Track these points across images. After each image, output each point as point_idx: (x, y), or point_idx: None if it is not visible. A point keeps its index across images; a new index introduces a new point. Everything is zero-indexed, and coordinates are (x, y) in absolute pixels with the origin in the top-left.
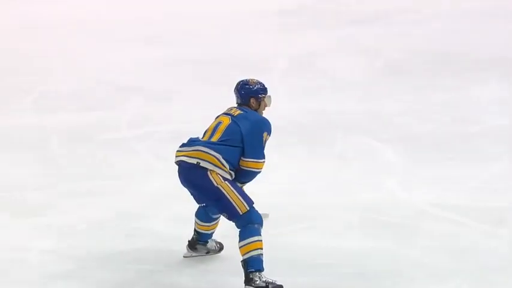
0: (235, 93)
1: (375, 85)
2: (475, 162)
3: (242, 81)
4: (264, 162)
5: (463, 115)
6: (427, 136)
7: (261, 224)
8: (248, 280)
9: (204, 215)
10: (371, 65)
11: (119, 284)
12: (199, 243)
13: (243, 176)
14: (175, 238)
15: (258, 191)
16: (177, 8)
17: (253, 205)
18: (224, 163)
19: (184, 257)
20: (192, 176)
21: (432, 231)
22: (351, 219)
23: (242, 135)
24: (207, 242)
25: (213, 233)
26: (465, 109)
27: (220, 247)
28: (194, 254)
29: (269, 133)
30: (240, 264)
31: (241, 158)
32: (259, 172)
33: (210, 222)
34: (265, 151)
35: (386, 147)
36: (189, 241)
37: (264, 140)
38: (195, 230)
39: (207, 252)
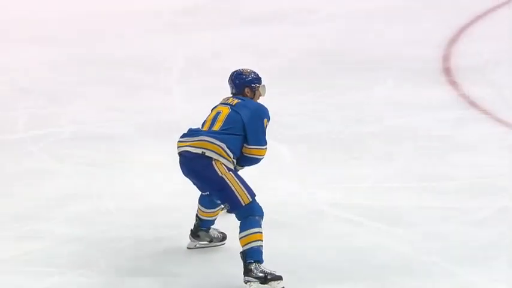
0: (230, 83)
1: (271, 85)
2: (371, 161)
3: (236, 71)
4: (266, 148)
5: (360, 115)
6: (324, 136)
7: (262, 217)
8: (247, 271)
9: (209, 202)
10: (268, 65)
11: None
12: (202, 229)
13: (245, 161)
14: (77, 238)
15: (158, 191)
16: (72, 7)
17: (255, 197)
18: (228, 152)
19: (188, 248)
20: (196, 166)
21: (330, 231)
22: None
23: (244, 123)
24: (209, 229)
25: (215, 219)
26: (361, 109)
27: (223, 236)
28: (198, 245)
29: (268, 119)
30: (240, 255)
31: (245, 145)
32: (262, 158)
33: (214, 208)
34: (165, 151)
35: (283, 147)
36: (191, 230)
37: (264, 126)
38: (197, 216)
39: (210, 241)
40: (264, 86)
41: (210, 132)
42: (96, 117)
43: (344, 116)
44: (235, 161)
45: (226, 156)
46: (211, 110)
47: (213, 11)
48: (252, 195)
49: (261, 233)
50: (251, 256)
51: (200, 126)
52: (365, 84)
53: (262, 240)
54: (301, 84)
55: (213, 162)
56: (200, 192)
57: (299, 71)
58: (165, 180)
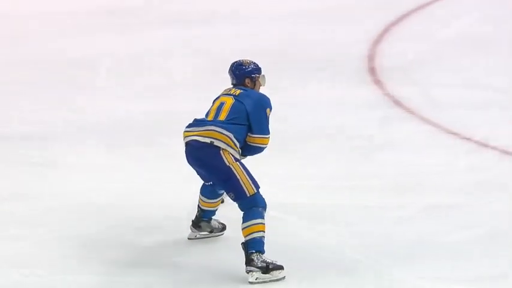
0: (230, 74)
1: (207, 85)
2: (299, 161)
3: (236, 62)
4: (269, 137)
5: (288, 114)
6: None
7: (265, 208)
8: (249, 261)
9: (210, 192)
10: (203, 65)
11: None
12: (204, 220)
13: (248, 150)
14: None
15: (94, 190)
16: (5, 8)
17: (259, 189)
18: (235, 142)
19: (188, 238)
20: (203, 155)
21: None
22: (179, 217)
23: (247, 113)
24: (211, 219)
25: (216, 210)
26: (290, 109)
27: (223, 227)
28: (198, 235)
29: (271, 109)
30: (241, 246)
31: (249, 134)
32: (266, 147)
33: (215, 198)
34: (100, 151)
35: None
36: (192, 221)
37: (267, 115)
38: (198, 207)
39: (211, 231)
40: (263, 76)
41: (217, 122)
42: (30, 117)
43: (274, 115)
44: (240, 150)
45: (234, 146)
46: (214, 101)
47: (147, 12)
48: (257, 186)
49: (264, 224)
50: (253, 246)
51: (204, 117)
52: (294, 84)
53: (264, 231)
54: None
55: (221, 151)
56: (202, 183)
57: None
58: (102, 179)
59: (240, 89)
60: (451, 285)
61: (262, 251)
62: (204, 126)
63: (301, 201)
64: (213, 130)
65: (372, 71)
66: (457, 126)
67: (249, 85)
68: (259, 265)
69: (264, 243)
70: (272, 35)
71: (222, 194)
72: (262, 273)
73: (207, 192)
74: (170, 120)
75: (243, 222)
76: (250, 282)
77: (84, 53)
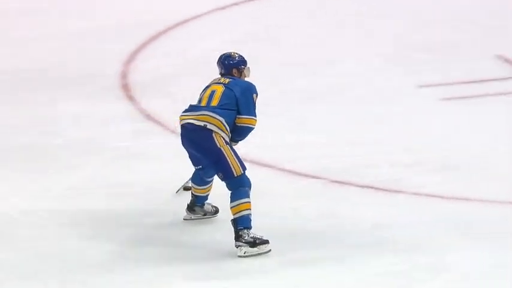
0: (219, 65)
1: None
2: (61, 171)
3: (225, 54)
4: (256, 120)
5: (51, 128)
6: (20, 149)
7: (250, 188)
8: (238, 236)
9: (199, 180)
10: None
11: None
12: (197, 205)
13: (238, 133)
14: None
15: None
16: None
17: (246, 170)
18: (226, 126)
19: (184, 219)
20: (196, 137)
21: (22, 236)
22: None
23: (237, 98)
24: (204, 205)
25: (208, 195)
26: (52, 123)
27: (216, 210)
28: (193, 217)
29: (257, 95)
30: (231, 223)
31: (237, 116)
32: (253, 129)
33: (205, 185)
34: None
35: None
36: (188, 205)
37: (254, 100)
38: (192, 194)
39: (204, 215)
40: (248, 68)
41: (210, 108)
42: None
43: (36, 129)
44: (230, 134)
45: (225, 130)
46: (204, 90)
47: None
48: (244, 168)
49: (250, 202)
50: (241, 223)
51: (197, 103)
52: (52, 101)
53: (250, 209)
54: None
55: (213, 134)
56: (193, 171)
57: None
58: None
59: (229, 78)
60: (204, 283)
61: (249, 227)
62: (199, 111)
63: (66, 208)
64: (207, 115)
65: (126, 87)
66: None
67: (235, 75)
68: (248, 240)
69: (251, 220)
70: (31, 54)
71: (211, 181)
72: (250, 247)
73: (197, 179)
74: None
75: (231, 201)
76: (240, 256)
77: None
